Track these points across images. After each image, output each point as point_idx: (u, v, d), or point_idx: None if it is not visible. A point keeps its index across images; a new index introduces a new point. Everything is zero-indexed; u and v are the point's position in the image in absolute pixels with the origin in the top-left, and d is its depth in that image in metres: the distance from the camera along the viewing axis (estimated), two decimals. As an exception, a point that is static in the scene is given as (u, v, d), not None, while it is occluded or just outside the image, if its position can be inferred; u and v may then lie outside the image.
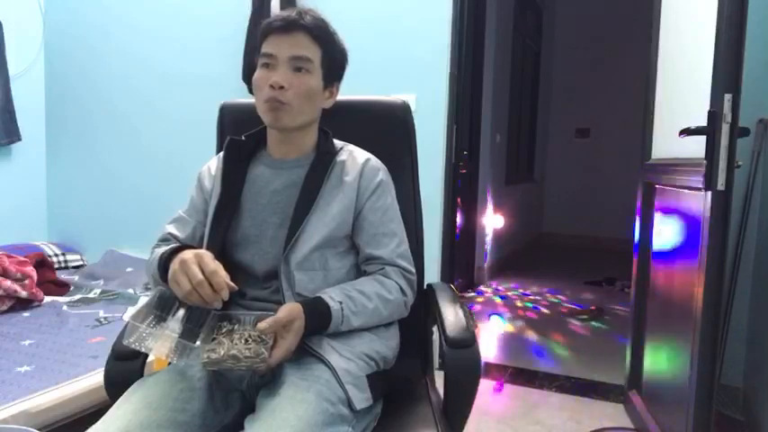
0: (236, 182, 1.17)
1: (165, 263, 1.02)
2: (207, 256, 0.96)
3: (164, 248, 1.09)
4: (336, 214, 1.12)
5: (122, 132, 3.15)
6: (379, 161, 1.21)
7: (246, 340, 0.93)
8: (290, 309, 0.98)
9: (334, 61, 1.14)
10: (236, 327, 0.97)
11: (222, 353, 0.91)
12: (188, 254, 0.96)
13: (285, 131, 1.15)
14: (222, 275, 0.95)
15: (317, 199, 1.11)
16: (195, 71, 2.93)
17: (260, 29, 1.13)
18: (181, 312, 0.96)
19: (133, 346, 0.93)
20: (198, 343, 0.92)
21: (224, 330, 0.96)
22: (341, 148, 1.21)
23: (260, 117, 1.14)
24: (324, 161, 1.15)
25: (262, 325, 0.93)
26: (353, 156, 1.19)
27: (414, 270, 1.19)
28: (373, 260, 1.15)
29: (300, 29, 1.09)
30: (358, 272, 1.17)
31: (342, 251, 1.15)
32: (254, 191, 1.16)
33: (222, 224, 1.13)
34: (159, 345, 0.93)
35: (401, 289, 1.14)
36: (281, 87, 1.07)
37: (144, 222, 2.97)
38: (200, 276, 0.92)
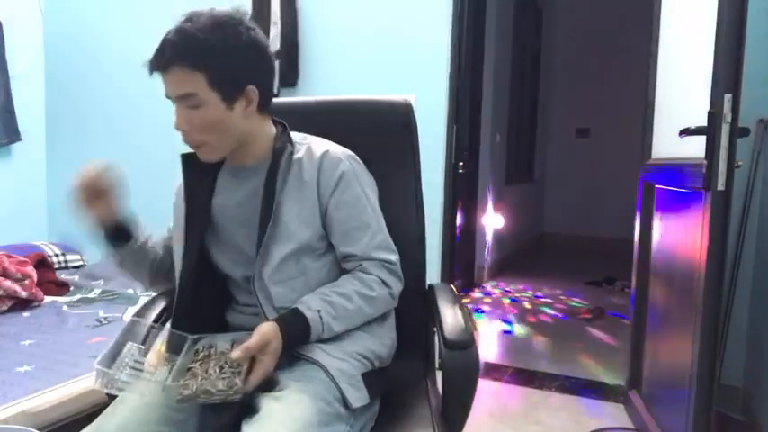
0: (201, 195, 1.14)
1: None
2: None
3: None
4: (302, 220, 1.06)
5: (122, 132, 3.14)
6: (341, 149, 1.12)
7: (222, 367, 0.92)
8: (263, 333, 0.94)
9: (226, 74, 1.01)
10: (212, 350, 0.97)
11: (195, 388, 0.89)
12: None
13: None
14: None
15: (277, 208, 1.05)
16: (195, 71, 2.92)
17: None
18: (157, 342, 0.97)
19: (105, 390, 0.91)
20: (169, 381, 0.91)
21: (200, 356, 0.96)
22: (300, 144, 1.12)
23: None
24: (279, 165, 1.06)
25: (235, 354, 0.91)
26: (311, 151, 1.10)
27: (394, 258, 1.12)
28: (349, 257, 1.10)
29: (174, 63, 0.99)
30: (340, 267, 1.13)
31: (320, 252, 1.10)
32: (221, 203, 1.14)
33: (195, 239, 1.11)
34: (133, 387, 0.93)
35: (383, 282, 1.08)
36: (185, 130, 1.04)
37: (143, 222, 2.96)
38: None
